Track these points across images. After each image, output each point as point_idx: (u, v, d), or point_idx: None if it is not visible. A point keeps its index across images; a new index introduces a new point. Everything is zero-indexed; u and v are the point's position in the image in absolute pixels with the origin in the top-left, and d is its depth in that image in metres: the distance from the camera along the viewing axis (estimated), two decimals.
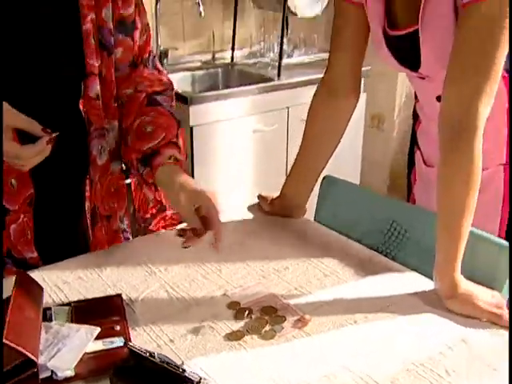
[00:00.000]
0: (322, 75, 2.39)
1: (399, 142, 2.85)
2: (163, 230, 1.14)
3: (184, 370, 0.68)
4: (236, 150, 2.17)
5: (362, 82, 2.45)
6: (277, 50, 2.41)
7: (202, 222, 0.94)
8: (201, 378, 0.68)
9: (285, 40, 2.35)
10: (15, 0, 0.90)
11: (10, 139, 0.84)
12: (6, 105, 0.85)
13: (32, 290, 0.84)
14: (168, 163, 0.98)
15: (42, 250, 1.02)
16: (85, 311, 0.86)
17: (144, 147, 1.01)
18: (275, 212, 1.21)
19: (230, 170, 2.18)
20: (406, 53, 1.02)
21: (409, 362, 0.79)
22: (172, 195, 0.96)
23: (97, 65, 0.98)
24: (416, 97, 1.21)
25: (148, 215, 1.11)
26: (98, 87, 0.99)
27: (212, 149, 2.10)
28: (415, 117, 1.26)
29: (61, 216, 1.05)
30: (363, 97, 2.46)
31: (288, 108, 2.23)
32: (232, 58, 2.51)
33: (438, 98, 1.09)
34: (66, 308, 0.87)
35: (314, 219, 1.24)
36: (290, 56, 2.39)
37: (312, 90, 2.37)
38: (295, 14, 2.31)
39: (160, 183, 0.99)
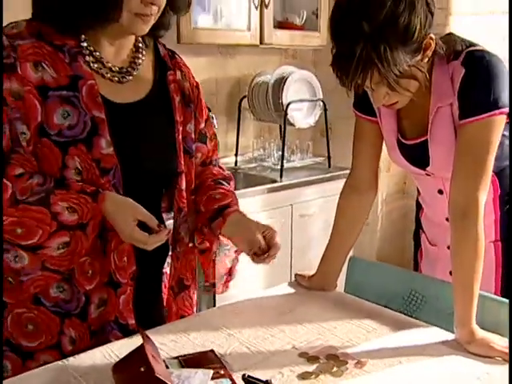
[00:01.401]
0: (317, 176, 2.78)
1: (383, 235, 3.17)
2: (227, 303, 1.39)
3: None
4: None
5: None
6: (276, 155, 2.76)
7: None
8: None
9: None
10: (138, 115, 1.21)
11: (138, 229, 1.11)
12: (133, 201, 1.13)
13: (152, 344, 1.07)
14: (237, 212, 1.30)
15: (138, 318, 1.24)
16: (192, 361, 1.09)
17: (215, 206, 1.30)
18: (312, 287, 1.47)
19: (244, 257, 2.44)
20: (417, 156, 1.35)
21: None
22: (243, 229, 1.27)
23: (183, 165, 1.28)
24: (418, 191, 1.53)
25: (214, 280, 1.37)
26: (185, 182, 1.28)
27: None
28: (418, 206, 1.57)
29: (152, 288, 1.29)
30: None
31: (292, 205, 2.55)
32: (236, 162, 2.85)
33: (440, 191, 1.41)
34: (175, 360, 1.10)
35: (344, 291, 1.51)
36: (288, 160, 2.74)
37: (310, 189, 2.70)
38: (293, 125, 2.69)
39: (230, 225, 1.28)
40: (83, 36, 1.16)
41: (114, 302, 1.20)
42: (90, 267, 1.18)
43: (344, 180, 2.68)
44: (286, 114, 2.56)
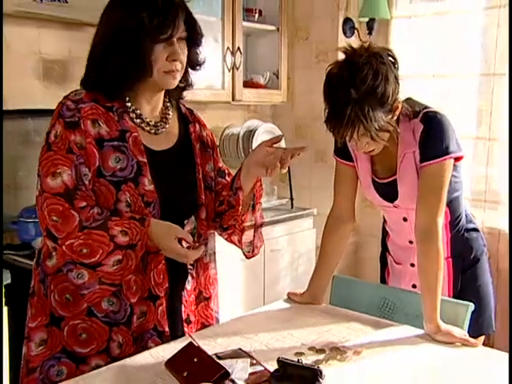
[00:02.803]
0: (282, 216, 3.13)
1: (339, 266, 3.50)
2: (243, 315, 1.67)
3: (319, 367, 1.21)
4: (229, 273, 2.72)
5: (312, 220, 3.13)
6: None
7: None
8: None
9: None
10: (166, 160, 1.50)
11: (180, 245, 1.39)
12: (172, 224, 1.41)
13: (197, 343, 1.33)
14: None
15: (170, 327, 1.50)
16: (228, 356, 1.36)
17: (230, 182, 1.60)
18: (303, 301, 1.78)
19: (224, 289, 2.72)
20: (387, 192, 1.71)
21: (427, 365, 1.38)
22: (251, 158, 1.52)
23: (203, 198, 1.58)
24: (385, 220, 1.89)
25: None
26: (205, 213, 1.58)
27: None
28: (384, 232, 1.92)
29: (175, 301, 1.54)
30: (313, 231, 3.14)
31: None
32: None
33: (404, 219, 1.78)
34: (214, 356, 1.36)
35: (330, 304, 1.82)
36: None
37: (277, 227, 3.01)
38: None
39: (243, 168, 1.52)
40: (127, 98, 1.47)
41: (152, 312, 1.46)
42: (134, 284, 1.44)
43: (304, 219, 3.13)
44: None
